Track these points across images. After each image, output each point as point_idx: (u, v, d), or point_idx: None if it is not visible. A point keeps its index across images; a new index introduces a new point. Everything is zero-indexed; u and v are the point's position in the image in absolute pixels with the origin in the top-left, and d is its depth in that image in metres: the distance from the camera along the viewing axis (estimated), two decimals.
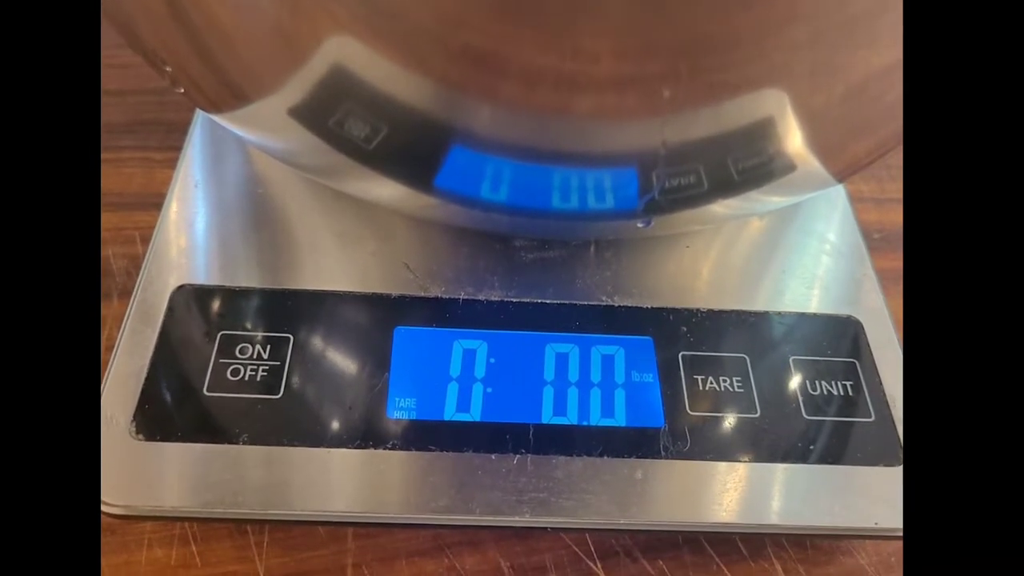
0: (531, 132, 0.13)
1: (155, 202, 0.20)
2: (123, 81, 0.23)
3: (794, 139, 0.14)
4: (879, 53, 0.13)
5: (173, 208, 0.18)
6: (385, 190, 0.16)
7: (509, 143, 0.14)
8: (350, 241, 0.18)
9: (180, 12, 0.13)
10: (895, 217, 0.22)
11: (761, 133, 0.14)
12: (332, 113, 0.14)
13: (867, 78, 0.13)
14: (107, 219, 0.20)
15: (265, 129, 0.16)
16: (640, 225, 0.15)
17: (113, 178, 0.21)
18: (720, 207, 0.16)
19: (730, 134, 0.14)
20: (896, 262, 0.21)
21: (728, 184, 0.15)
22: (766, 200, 0.16)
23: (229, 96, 0.15)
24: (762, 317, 0.18)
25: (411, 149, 0.14)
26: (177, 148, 0.20)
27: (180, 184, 0.19)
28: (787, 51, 0.12)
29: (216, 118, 0.16)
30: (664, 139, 0.13)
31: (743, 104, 0.13)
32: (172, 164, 0.20)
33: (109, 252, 0.19)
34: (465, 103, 0.13)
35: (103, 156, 0.21)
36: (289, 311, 0.17)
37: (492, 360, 0.17)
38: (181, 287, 0.17)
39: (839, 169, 0.16)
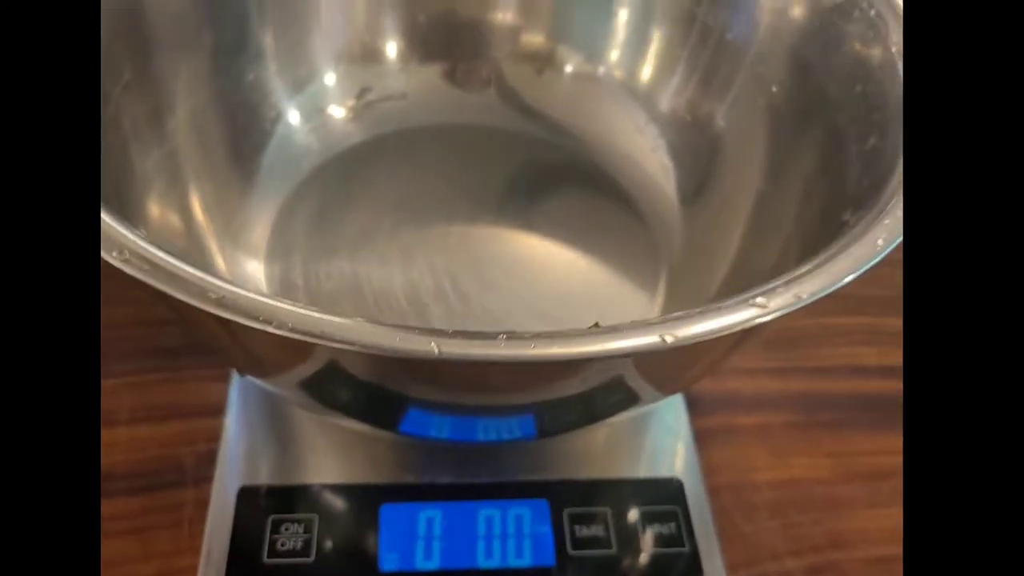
0: (459, 408, 0.23)
1: (208, 412, 0.29)
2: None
3: (645, 391, 0.23)
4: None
5: (227, 426, 0.27)
6: (369, 428, 0.25)
7: (447, 412, 0.23)
8: (349, 448, 0.27)
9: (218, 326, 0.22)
10: (711, 386, 0.32)
11: (619, 392, 0.23)
12: (326, 387, 0.23)
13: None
14: (176, 426, 0.29)
15: (282, 390, 0.25)
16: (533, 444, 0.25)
17: (177, 393, 0.30)
18: (588, 426, 0.25)
19: (598, 396, 0.22)
20: (709, 421, 0.30)
21: (595, 417, 0.24)
22: (622, 415, 0.25)
23: (254, 372, 0.24)
24: (619, 481, 0.27)
25: (379, 412, 0.23)
26: (222, 367, 0.29)
27: (230, 408, 0.28)
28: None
29: None
30: (549, 411, 0.23)
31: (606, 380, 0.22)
32: (221, 379, 0.29)
33: (182, 451, 0.28)
34: (416, 393, 0.22)
35: (166, 375, 0.30)
36: (313, 498, 0.26)
37: (445, 523, 0.26)
38: (243, 487, 0.26)
39: (676, 391, 0.26)
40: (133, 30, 0.26)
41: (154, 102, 0.27)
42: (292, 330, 0.16)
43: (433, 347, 0.16)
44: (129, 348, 0.30)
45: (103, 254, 0.17)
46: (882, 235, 0.19)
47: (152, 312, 0.31)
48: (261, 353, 0.21)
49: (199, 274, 0.17)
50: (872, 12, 0.25)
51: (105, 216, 0.18)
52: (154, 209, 0.27)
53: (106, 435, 0.28)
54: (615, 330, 0.16)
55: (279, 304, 0.16)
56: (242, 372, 0.25)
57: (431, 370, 0.19)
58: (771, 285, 0.18)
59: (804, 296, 0.18)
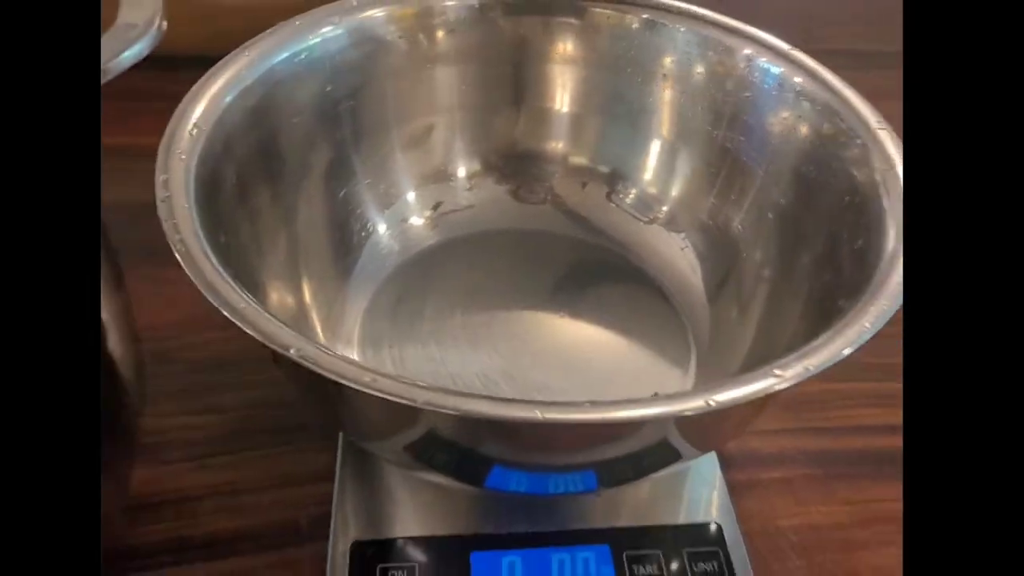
0: (536, 465, 0.28)
1: (318, 478, 0.34)
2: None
3: (687, 449, 0.28)
4: None
5: (336, 490, 0.33)
6: (458, 485, 0.30)
7: (525, 469, 0.28)
8: (440, 504, 0.32)
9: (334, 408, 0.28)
10: (738, 445, 0.37)
11: (666, 449, 0.28)
12: (428, 450, 0.28)
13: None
14: (290, 493, 0.34)
15: (387, 453, 0.30)
16: (596, 496, 0.30)
17: (289, 464, 0.35)
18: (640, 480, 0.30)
19: (649, 453, 0.28)
20: (740, 475, 0.35)
21: (646, 471, 0.29)
22: (668, 470, 0.31)
23: (362, 440, 0.30)
24: (668, 527, 0.32)
25: (470, 470, 0.28)
26: (330, 438, 0.35)
27: (337, 474, 0.33)
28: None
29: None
30: (609, 467, 0.28)
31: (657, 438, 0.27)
32: (326, 450, 0.34)
33: (300, 515, 0.33)
34: (502, 453, 0.27)
35: (284, 449, 0.35)
36: (413, 549, 0.31)
37: (524, 567, 0.31)
38: (356, 542, 0.31)
39: (711, 449, 0.31)
40: (268, 158, 0.33)
41: (281, 212, 0.34)
42: (427, 404, 0.22)
43: (537, 414, 0.22)
44: (253, 427, 0.36)
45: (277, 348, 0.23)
46: (870, 319, 0.25)
47: (273, 395, 0.37)
48: (389, 424, 0.26)
49: (351, 363, 0.22)
50: (858, 140, 0.31)
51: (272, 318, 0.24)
52: (274, 296, 0.33)
53: (235, 501, 0.34)
54: (671, 397, 0.22)
55: (417, 386, 0.22)
56: (358, 439, 0.31)
57: (520, 432, 0.25)
58: (785, 359, 0.24)
59: (812, 368, 0.23)
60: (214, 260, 0.25)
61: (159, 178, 0.27)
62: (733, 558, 0.31)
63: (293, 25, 0.34)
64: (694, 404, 0.22)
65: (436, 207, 0.40)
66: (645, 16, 0.36)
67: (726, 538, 0.32)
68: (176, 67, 0.32)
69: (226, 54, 0.32)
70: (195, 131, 0.29)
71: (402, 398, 0.22)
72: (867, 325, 0.25)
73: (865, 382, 0.39)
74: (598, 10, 0.37)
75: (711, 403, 0.22)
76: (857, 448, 0.37)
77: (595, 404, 0.22)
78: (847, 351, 0.24)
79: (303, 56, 0.34)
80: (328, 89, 0.36)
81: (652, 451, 0.27)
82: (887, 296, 0.26)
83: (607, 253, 0.40)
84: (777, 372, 0.23)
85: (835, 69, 0.34)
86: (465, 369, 0.35)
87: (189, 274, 0.24)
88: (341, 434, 0.35)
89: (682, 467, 0.34)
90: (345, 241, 0.38)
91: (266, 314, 0.24)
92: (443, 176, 0.40)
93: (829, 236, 0.32)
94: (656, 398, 0.22)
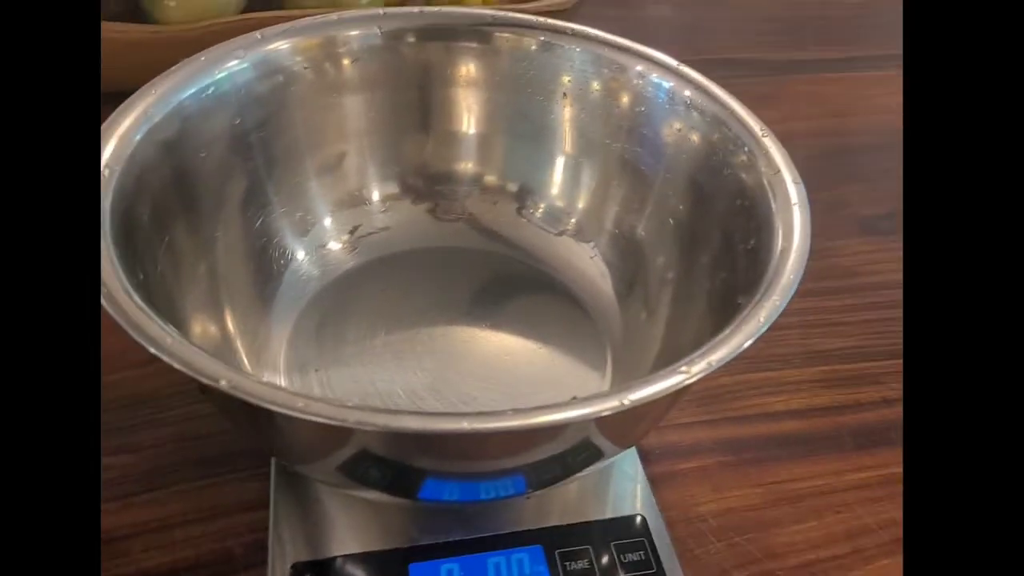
0: (467, 473, 0.29)
1: (248, 507, 0.34)
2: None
3: (607, 447, 0.30)
4: None
5: (272, 515, 0.33)
6: (391, 499, 0.31)
7: (457, 478, 0.29)
8: (375, 519, 0.33)
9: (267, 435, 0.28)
10: (657, 439, 0.39)
11: (588, 449, 0.29)
12: (361, 470, 0.29)
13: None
14: (222, 523, 0.34)
15: (320, 473, 0.31)
16: (526, 498, 0.31)
17: (220, 495, 0.35)
18: (566, 481, 0.32)
19: (572, 454, 0.29)
20: (660, 468, 0.38)
21: (571, 472, 0.31)
22: (591, 469, 0.32)
23: (296, 464, 0.30)
24: (595, 523, 0.34)
25: (403, 485, 0.30)
26: (260, 467, 0.35)
27: (271, 498, 0.34)
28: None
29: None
30: (536, 470, 0.29)
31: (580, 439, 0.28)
32: (256, 479, 0.35)
33: (231, 543, 0.34)
34: (434, 464, 0.28)
35: (209, 481, 0.35)
36: (353, 566, 0.32)
37: (463, 574, 0.32)
38: (295, 564, 0.31)
39: (631, 445, 0.33)
40: (183, 193, 0.34)
41: (199, 245, 0.35)
42: (358, 423, 0.23)
43: (464, 425, 0.23)
44: (176, 461, 0.36)
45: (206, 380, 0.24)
46: (765, 313, 0.27)
47: (191, 428, 0.37)
48: (323, 446, 0.27)
49: (282, 390, 0.23)
50: (745, 148, 0.34)
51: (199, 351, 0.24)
52: (198, 328, 0.33)
53: (164, 537, 0.34)
54: (588, 399, 0.24)
55: (347, 406, 0.23)
56: (291, 462, 0.31)
57: (450, 444, 0.26)
58: (690, 357, 0.26)
59: (714, 363, 0.25)
60: (136, 297, 0.26)
61: None
62: (658, 546, 0.33)
63: (199, 61, 0.34)
64: (610, 404, 0.24)
65: (353, 231, 0.41)
66: (542, 38, 0.39)
67: (650, 528, 0.34)
68: None
69: (132, 92, 0.32)
70: (106, 171, 0.29)
71: (334, 419, 0.23)
72: (761, 320, 0.27)
73: (768, 371, 0.42)
74: (497, 34, 0.39)
75: (625, 402, 0.24)
76: (764, 433, 0.40)
77: (518, 411, 0.23)
78: (746, 344, 0.26)
79: (211, 90, 0.34)
80: (237, 122, 0.36)
81: (576, 451, 0.29)
82: (779, 292, 0.28)
83: (522, 266, 0.42)
84: (683, 369, 0.25)
85: (718, 79, 0.37)
86: (392, 387, 0.36)
87: (112, 314, 0.24)
88: (273, 460, 0.35)
89: (605, 464, 0.35)
90: (265, 269, 0.38)
91: (194, 347, 0.24)
92: (358, 200, 0.41)
93: (723, 238, 0.34)
94: (574, 401, 0.24)
